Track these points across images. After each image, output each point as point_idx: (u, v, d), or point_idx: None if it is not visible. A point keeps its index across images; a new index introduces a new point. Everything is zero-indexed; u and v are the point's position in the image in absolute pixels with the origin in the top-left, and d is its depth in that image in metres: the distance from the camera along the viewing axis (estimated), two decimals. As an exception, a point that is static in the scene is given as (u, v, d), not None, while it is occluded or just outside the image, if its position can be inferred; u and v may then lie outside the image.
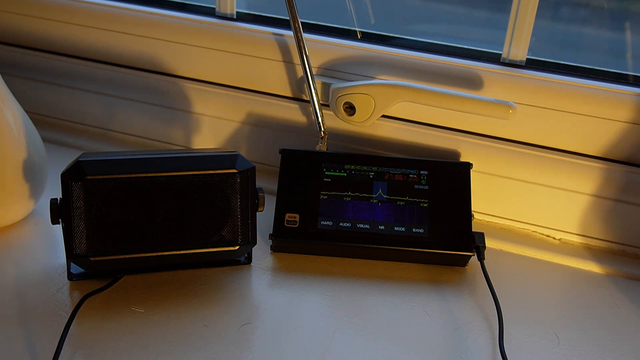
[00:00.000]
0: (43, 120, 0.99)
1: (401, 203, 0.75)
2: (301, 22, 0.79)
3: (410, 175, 0.76)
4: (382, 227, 0.74)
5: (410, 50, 0.83)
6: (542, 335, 0.66)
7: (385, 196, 0.75)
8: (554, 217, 0.81)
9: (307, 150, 0.78)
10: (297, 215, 0.74)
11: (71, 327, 0.62)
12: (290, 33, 0.84)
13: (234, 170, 0.65)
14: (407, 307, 0.69)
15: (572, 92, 0.77)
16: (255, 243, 0.69)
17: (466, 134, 0.82)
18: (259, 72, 0.87)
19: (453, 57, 0.82)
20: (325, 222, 0.74)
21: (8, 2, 0.96)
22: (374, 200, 0.75)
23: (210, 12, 0.91)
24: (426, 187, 0.76)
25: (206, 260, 0.71)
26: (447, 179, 0.76)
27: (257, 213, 0.69)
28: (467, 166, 0.77)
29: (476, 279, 0.73)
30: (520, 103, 0.78)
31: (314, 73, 0.82)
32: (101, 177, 0.63)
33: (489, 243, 0.78)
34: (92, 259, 0.64)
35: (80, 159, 0.64)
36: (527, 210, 0.81)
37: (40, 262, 0.71)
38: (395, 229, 0.73)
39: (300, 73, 0.85)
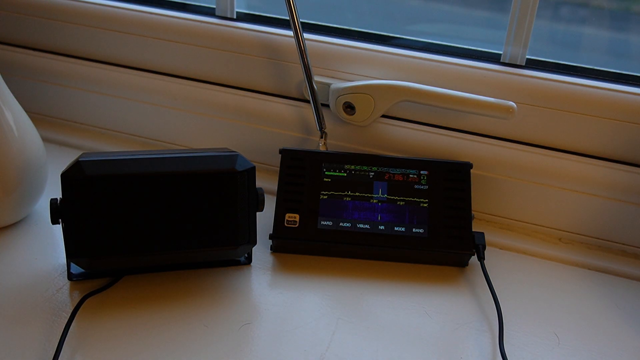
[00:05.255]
0: (43, 120, 0.99)
1: (401, 203, 0.75)
2: (301, 22, 0.79)
3: (410, 175, 0.76)
4: (382, 227, 0.74)
5: (410, 50, 0.83)
6: (542, 335, 0.66)
7: (385, 196, 0.75)
8: (554, 217, 0.81)
9: (307, 150, 0.78)
10: (297, 215, 0.74)
11: (71, 327, 0.62)
12: (290, 33, 0.84)
13: (234, 170, 0.65)
14: (407, 307, 0.69)
15: (572, 92, 0.77)
16: (255, 243, 0.69)
17: (466, 134, 0.82)
18: (259, 72, 0.87)
19: (453, 57, 0.82)
20: (325, 222, 0.74)
21: (8, 2, 0.96)
22: (374, 200, 0.75)
23: (210, 12, 0.91)
24: (426, 187, 0.76)
25: (206, 260, 0.71)
26: (447, 179, 0.76)
27: (257, 213, 0.69)
28: (467, 166, 0.77)
29: (476, 279, 0.73)
30: (520, 103, 0.78)
31: (314, 73, 0.82)
32: (101, 177, 0.63)
33: (489, 243, 0.78)
34: (92, 259, 0.64)
35: (80, 159, 0.64)
36: (527, 210, 0.81)
37: (40, 262, 0.71)
38: (395, 229, 0.73)
39: (300, 73, 0.85)
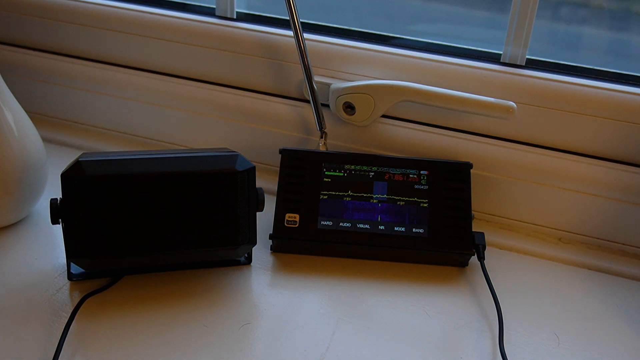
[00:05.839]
0: (43, 120, 0.99)
1: (401, 203, 0.75)
2: (301, 22, 0.79)
3: (410, 175, 0.76)
4: (382, 227, 0.74)
5: (410, 50, 0.83)
6: (542, 335, 0.66)
7: (385, 196, 0.75)
8: (554, 217, 0.81)
9: (307, 150, 0.78)
10: (297, 215, 0.74)
11: (71, 327, 0.62)
12: (290, 33, 0.84)
13: (234, 170, 0.65)
14: (407, 307, 0.69)
15: (572, 92, 0.77)
16: (255, 243, 0.69)
17: (466, 134, 0.82)
18: (259, 72, 0.88)
19: (453, 57, 0.82)
20: (325, 222, 0.74)
21: (8, 2, 0.96)
22: (374, 200, 0.75)
23: (210, 12, 0.91)
24: (426, 187, 0.76)
25: (206, 260, 0.71)
26: (447, 179, 0.76)
27: (257, 213, 0.69)
28: (467, 166, 0.77)
29: (476, 279, 0.73)
30: (520, 103, 0.78)
31: (314, 73, 0.82)
32: (101, 177, 0.63)
33: (489, 243, 0.78)
34: (92, 259, 0.64)
35: (80, 159, 0.64)
36: (527, 210, 0.82)
37: (40, 262, 0.71)
38: (395, 229, 0.73)
39: (300, 73, 0.85)
